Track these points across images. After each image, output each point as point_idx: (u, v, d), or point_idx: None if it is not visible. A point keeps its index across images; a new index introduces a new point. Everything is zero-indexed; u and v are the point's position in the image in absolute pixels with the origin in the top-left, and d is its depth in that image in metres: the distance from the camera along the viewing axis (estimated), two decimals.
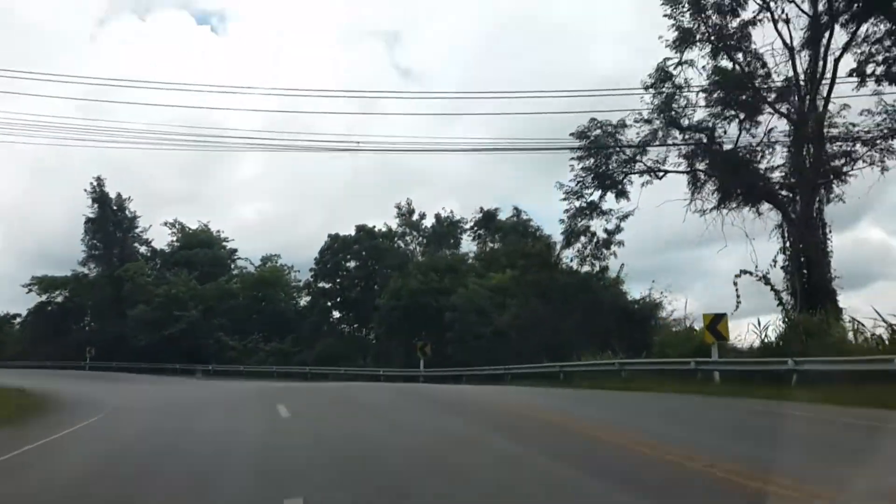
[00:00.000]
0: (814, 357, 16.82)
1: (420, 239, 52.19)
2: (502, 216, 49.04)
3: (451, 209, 52.45)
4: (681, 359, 20.91)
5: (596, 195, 29.64)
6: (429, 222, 52.49)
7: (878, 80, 24.50)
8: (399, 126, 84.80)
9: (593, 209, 29.74)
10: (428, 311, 39.49)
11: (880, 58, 24.20)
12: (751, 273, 23.97)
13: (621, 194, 29.25)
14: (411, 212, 52.48)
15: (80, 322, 61.35)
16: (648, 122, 28.61)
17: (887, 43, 24.12)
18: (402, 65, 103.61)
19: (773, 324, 22.15)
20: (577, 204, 29.89)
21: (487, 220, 49.58)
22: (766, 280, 23.70)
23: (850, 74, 24.72)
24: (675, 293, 39.29)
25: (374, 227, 52.58)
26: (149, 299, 52.93)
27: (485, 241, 50.29)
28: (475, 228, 50.64)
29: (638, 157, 28.91)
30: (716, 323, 20.03)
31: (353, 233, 52.59)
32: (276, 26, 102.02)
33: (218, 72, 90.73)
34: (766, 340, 20.83)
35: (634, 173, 28.96)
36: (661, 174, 28.70)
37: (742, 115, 27.34)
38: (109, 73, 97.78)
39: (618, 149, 29.09)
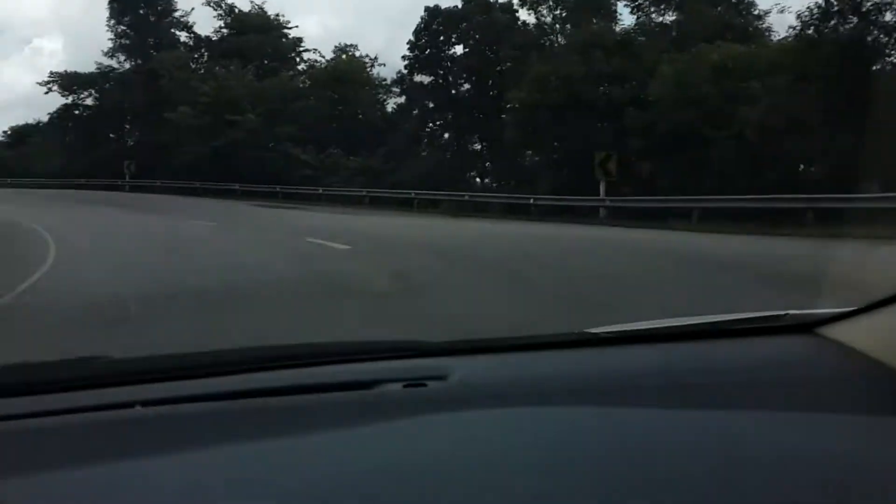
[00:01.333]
0: None
1: (557, 11, 36.91)
2: None
3: None
4: None
5: None
6: None
7: None
8: None
9: None
10: (597, 108, 25.76)
11: None
12: None
13: None
14: None
15: (116, 129, 49.60)
16: None
17: None
18: None
19: None
20: None
21: None
22: None
23: None
24: None
25: None
26: (193, 100, 40.48)
27: (648, 13, 35.11)
28: None
29: None
30: None
31: (459, 5, 38.12)
32: None
33: None
34: None
35: None
36: None
37: None
38: None
39: None
